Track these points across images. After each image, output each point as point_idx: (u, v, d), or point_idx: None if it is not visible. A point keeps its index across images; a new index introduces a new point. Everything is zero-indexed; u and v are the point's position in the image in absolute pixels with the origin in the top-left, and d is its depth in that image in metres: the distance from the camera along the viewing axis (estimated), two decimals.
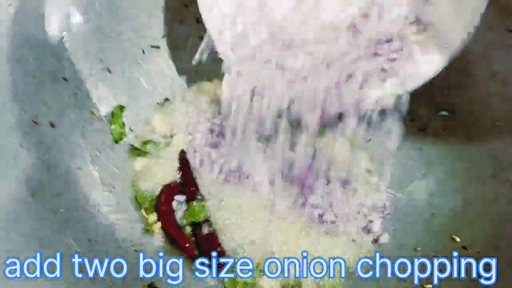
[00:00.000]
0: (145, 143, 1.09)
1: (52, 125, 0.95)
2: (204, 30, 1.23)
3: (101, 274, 0.84)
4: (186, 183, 1.03)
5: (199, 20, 1.22)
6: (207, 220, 0.99)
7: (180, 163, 1.06)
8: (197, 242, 0.97)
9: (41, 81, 0.95)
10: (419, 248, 0.98)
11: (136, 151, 1.07)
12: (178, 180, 1.05)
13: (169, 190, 1.02)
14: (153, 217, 0.99)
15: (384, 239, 1.04)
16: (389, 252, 1.01)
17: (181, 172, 1.05)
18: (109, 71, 1.10)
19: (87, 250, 0.86)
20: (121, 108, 1.10)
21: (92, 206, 0.94)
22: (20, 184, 0.83)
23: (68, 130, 0.98)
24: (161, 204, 1.00)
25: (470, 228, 0.95)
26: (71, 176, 0.94)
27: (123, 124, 1.10)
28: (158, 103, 1.16)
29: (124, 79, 1.12)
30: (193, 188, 1.02)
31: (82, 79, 1.04)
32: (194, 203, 1.00)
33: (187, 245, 0.96)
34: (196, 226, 0.98)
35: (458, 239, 0.94)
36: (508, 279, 0.83)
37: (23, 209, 0.80)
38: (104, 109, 1.07)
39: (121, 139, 1.08)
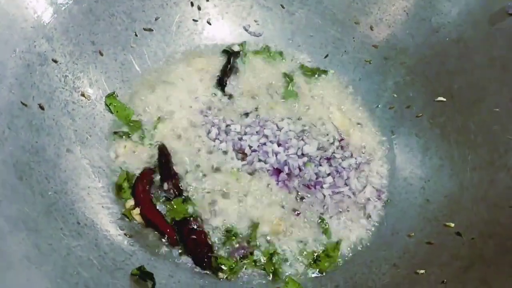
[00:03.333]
0: (131, 127, 1.07)
1: (42, 108, 0.93)
2: (198, 13, 1.22)
3: (90, 257, 0.83)
4: (166, 177, 1.01)
5: (193, 3, 1.21)
6: (190, 217, 0.98)
7: (159, 157, 1.04)
8: (184, 242, 0.95)
9: (31, 62, 0.93)
10: (413, 234, 0.97)
11: (120, 135, 1.06)
12: (154, 166, 1.03)
13: (145, 177, 1.00)
14: (130, 202, 0.98)
15: (377, 219, 1.04)
16: (382, 237, 1.01)
17: (160, 165, 1.03)
18: (101, 54, 1.08)
19: (76, 233, 0.85)
20: (112, 94, 1.08)
21: (82, 189, 0.93)
22: (7, 166, 0.82)
23: (57, 113, 0.96)
24: (139, 191, 0.98)
25: (465, 214, 0.94)
26: (60, 159, 0.93)
27: (123, 105, 1.09)
28: (150, 86, 1.14)
29: (116, 62, 1.11)
30: (174, 182, 1.01)
31: (73, 61, 1.03)
32: (174, 203, 0.98)
33: (168, 230, 0.95)
34: (182, 224, 0.96)
35: (452, 225, 0.93)
36: (503, 265, 0.81)
37: (10, 191, 0.79)
38: (95, 92, 1.06)
39: (129, 119, 1.07)
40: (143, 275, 0.85)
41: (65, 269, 0.77)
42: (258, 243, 0.97)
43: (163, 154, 1.04)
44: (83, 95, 1.03)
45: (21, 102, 0.89)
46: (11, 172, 0.82)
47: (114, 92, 1.08)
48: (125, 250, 0.89)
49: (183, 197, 0.99)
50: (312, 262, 0.96)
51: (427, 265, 0.89)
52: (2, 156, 0.82)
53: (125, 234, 0.92)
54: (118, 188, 0.99)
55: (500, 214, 0.89)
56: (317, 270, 0.96)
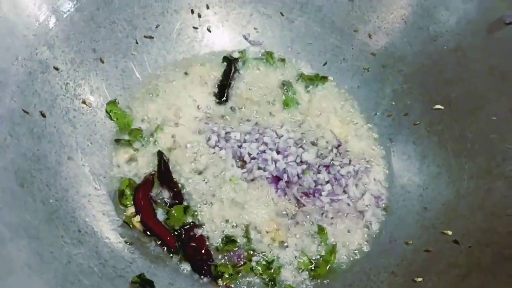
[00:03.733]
0: (132, 135, 1.08)
1: (43, 115, 0.94)
2: (198, 21, 1.23)
3: (91, 264, 0.84)
4: (166, 185, 1.02)
5: (193, 11, 1.21)
6: (191, 224, 0.98)
7: (159, 164, 1.05)
8: (184, 249, 0.96)
9: (32, 70, 0.94)
10: (411, 242, 0.97)
11: (121, 143, 1.06)
12: (153, 174, 1.04)
13: (145, 185, 1.01)
14: (131, 209, 0.98)
15: (375, 227, 1.05)
16: (380, 245, 1.01)
17: (160, 173, 1.04)
18: (102, 61, 1.09)
19: (76, 241, 0.85)
20: (113, 102, 1.09)
21: (82, 196, 0.93)
22: (9, 174, 0.82)
23: (59, 120, 0.97)
24: (139, 199, 0.98)
25: (463, 222, 0.94)
26: (61, 166, 0.93)
27: (124, 112, 1.09)
28: (151, 94, 1.15)
29: (117, 69, 1.12)
30: (174, 190, 1.01)
31: (74, 69, 1.03)
32: (174, 211, 0.98)
33: (168, 238, 0.95)
34: (181, 232, 0.97)
35: (450, 233, 0.93)
36: (501, 273, 0.82)
37: (11, 198, 0.79)
38: (96, 100, 1.06)
39: (129, 127, 1.08)
40: (143, 282, 0.85)
41: (66, 277, 0.77)
42: (256, 250, 0.97)
43: (163, 162, 1.04)
44: (84, 102, 1.03)
45: (23, 110, 0.90)
46: (13, 179, 0.82)
47: (115, 100, 1.09)
48: (125, 258, 0.90)
49: (183, 204, 1.00)
50: (310, 270, 0.97)
51: (425, 273, 0.89)
52: (4, 163, 0.82)
53: (125, 242, 0.93)
54: (120, 195, 0.99)
55: (497, 222, 0.90)
56: (316, 276, 0.96)
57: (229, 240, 0.97)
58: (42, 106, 0.94)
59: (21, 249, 0.74)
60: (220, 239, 0.98)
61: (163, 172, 1.03)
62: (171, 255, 0.95)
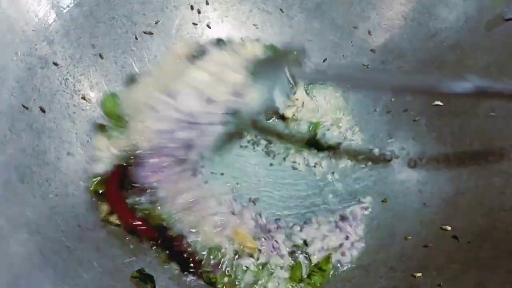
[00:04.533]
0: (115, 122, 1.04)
1: (43, 111, 0.94)
2: (198, 17, 1.23)
3: (91, 259, 0.84)
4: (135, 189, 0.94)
5: (193, 7, 1.21)
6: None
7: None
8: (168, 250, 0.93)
9: (32, 65, 0.94)
10: (410, 237, 0.98)
11: (101, 129, 1.03)
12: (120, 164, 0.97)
13: (113, 178, 0.95)
14: (105, 208, 0.93)
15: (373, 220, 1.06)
16: (379, 240, 1.02)
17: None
18: (101, 57, 1.09)
19: (77, 236, 0.85)
20: (113, 96, 1.08)
21: (82, 192, 0.93)
22: (9, 169, 0.82)
23: (58, 116, 0.97)
24: (111, 195, 0.93)
25: (462, 218, 0.95)
26: (60, 162, 0.93)
27: (119, 116, 1.06)
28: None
29: (116, 65, 1.11)
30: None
31: (73, 64, 1.03)
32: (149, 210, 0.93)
33: (149, 234, 0.91)
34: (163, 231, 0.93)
35: (449, 229, 0.94)
36: (499, 269, 0.83)
37: (11, 194, 0.80)
38: (95, 95, 1.06)
39: (116, 114, 1.05)
40: (143, 277, 0.86)
41: (66, 272, 0.78)
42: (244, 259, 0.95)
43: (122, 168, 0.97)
44: (83, 98, 1.03)
45: (22, 105, 0.90)
46: (13, 175, 0.83)
47: (115, 95, 1.08)
48: (125, 253, 0.90)
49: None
50: (304, 278, 0.96)
51: (424, 268, 0.90)
52: (4, 158, 0.83)
53: (126, 237, 0.93)
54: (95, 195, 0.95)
55: (495, 218, 0.90)
56: (312, 285, 0.95)
57: (215, 249, 0.94)
58: (42, 101, 0.94)
59: (22, 244, 0.75)
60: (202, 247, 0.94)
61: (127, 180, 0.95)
62: (159, 250, 0.93)
